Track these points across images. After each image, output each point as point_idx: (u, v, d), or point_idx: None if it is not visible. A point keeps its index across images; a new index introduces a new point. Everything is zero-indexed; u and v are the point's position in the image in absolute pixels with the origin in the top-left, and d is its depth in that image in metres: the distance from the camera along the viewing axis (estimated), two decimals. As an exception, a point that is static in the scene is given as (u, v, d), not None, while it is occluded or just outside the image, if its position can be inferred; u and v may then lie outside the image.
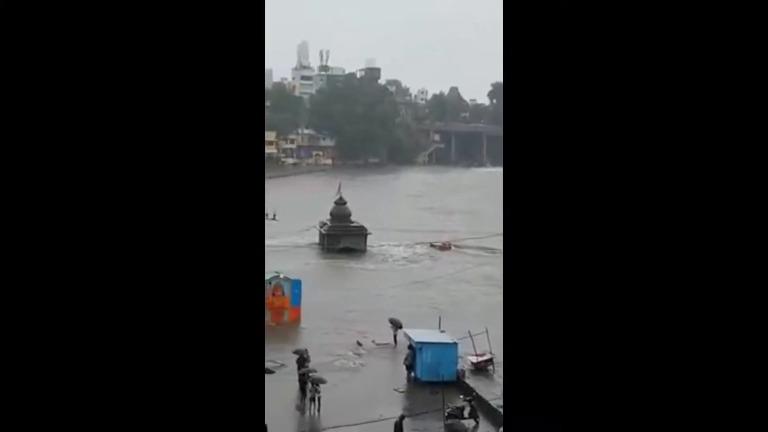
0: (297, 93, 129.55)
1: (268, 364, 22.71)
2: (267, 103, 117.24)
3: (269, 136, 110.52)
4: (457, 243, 46.17)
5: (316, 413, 18.93)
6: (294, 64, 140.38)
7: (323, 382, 19.35)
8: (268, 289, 27.95)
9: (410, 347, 22.46)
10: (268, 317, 27.82)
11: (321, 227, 46.12)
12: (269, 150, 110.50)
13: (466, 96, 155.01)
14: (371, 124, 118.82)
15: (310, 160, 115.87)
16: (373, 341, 25.61)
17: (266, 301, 27.75)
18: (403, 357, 22.82)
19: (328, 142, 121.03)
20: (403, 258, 43.93)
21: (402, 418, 17.57)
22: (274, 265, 34.70)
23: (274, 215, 56.90)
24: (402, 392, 21.28)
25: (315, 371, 20.30)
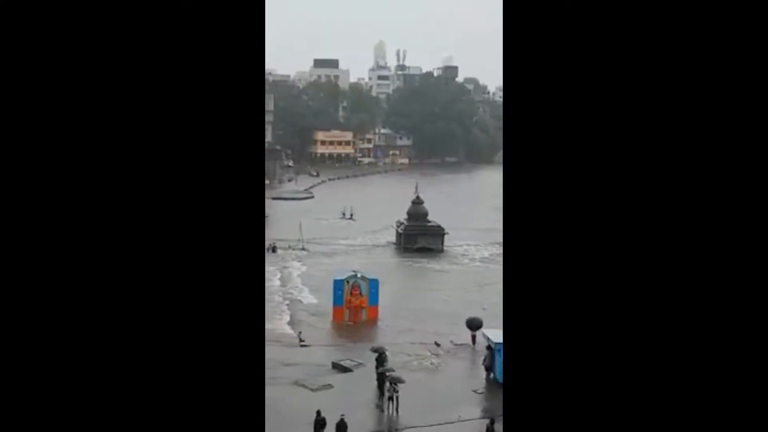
0: (374, 93, 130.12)
1: (346, 363, 22.87)
2: (343, 104, 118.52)
3: (347, 135, 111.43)
4: (536, 243, 45.35)
5: (395, 413, 18.90)
6: (371, 64, 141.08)
7: (402, 381, 19.32)
8: (346, 288, 28.16)
9: (489, 348, 22.20)
10: (347, 316, 28.10)
11: (398, 227, 46.15)
12: (347, 150, 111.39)
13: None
14: (448, 123, 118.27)
15: (387, 160, 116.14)
16: (451, 341, 25.45)
17: (344, 300, 27.98)
18: (481, 358, 22.59)
19: (405, 142, 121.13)
20: (481, 258, 43.54)
21: (492, 422, 17.27)
22: (350, 264, 35.01)
23: (351, 215, 57.37)
24: (481, 393, 21.04)
25: (393, 370, 20.29)
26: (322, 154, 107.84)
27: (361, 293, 28.31)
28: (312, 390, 20.49)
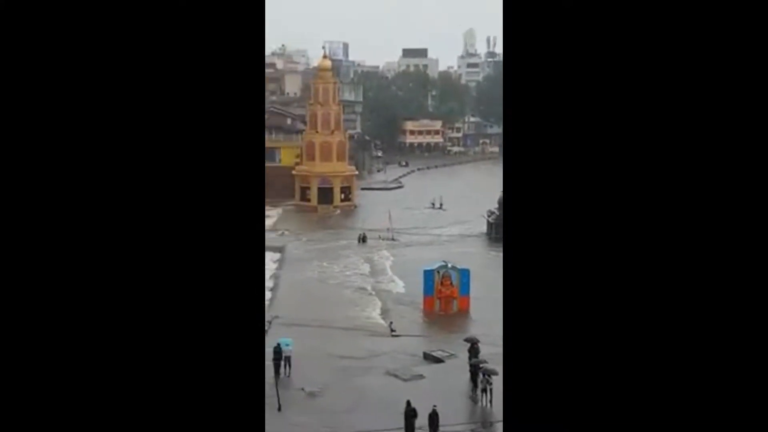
0: (463, 81, 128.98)
1: (437, 353, 22.61)
2: (432, 93, 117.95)
3: (436, 125, 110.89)
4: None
5: (488, 405, 18.55)
6: (460, 52, 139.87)
7: (495, 373, 18.90)
8: (437, 278, 27.91)
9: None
10: (437, 306, 27.86)
11: (488, 216, 45.50)
12: (436, 139, 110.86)
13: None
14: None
15: (477, 149, 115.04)
16: (545, 333, 24.88)
17: (435, 290, 27.74)
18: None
19: (495, 130, 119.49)
20: (575, 247, 42.44)
21: None
22: (440, 254, 34.68)
23: (441, 204, 57.01)
24: (577, 387, 20.44)
25: (486, 362, 19.91)
26: (411, 144, 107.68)
27: (452, 283, 28.00)
28: (404, 380, 20.36)
